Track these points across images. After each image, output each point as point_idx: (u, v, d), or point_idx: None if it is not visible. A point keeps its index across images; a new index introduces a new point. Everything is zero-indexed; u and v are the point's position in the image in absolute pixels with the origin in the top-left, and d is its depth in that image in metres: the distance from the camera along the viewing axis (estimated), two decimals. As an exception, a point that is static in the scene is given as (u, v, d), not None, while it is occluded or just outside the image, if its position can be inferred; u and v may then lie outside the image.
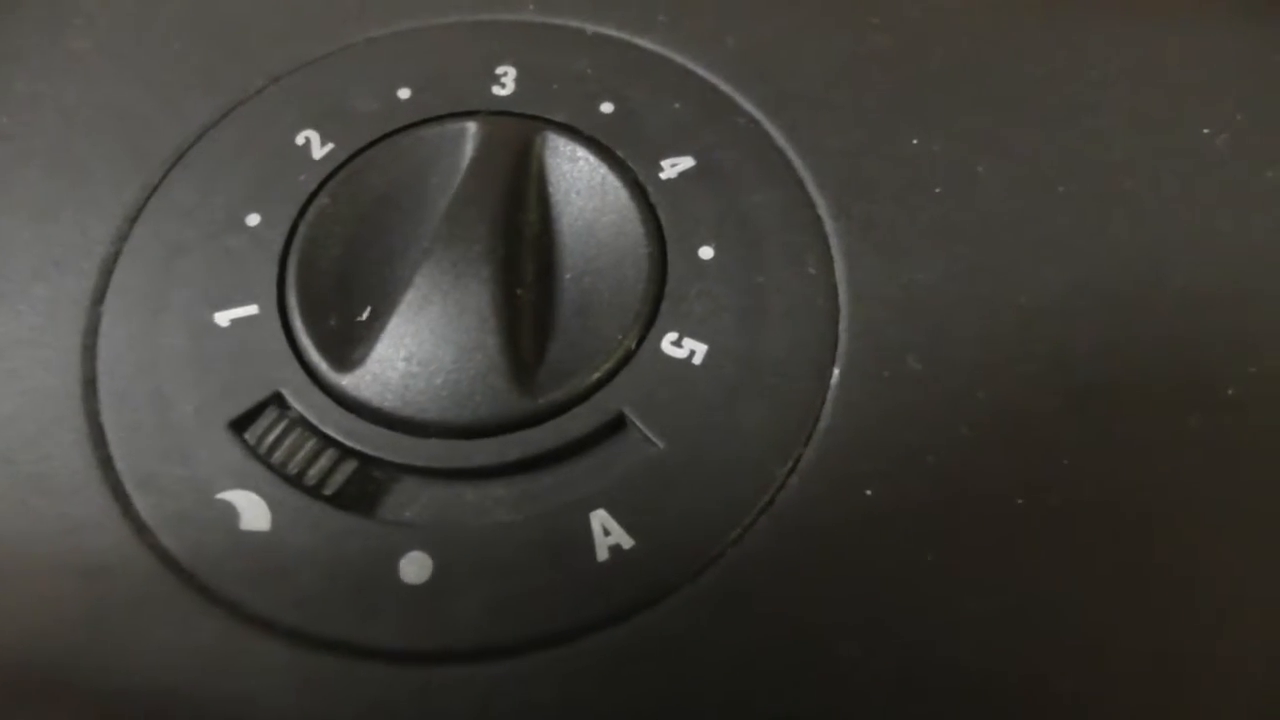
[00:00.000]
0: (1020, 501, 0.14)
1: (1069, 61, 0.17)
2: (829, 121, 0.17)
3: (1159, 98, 0.17)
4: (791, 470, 0.14)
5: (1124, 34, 0.18)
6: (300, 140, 0.17)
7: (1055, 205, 0.16)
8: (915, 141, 0.16)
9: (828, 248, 0.16)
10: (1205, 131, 0.17)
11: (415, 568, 0.14)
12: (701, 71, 0.17)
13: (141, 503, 0.14)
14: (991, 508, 0.14)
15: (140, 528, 0.14)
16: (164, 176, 0.17)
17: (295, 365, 0.15)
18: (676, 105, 0.17)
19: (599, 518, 0.14)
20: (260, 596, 0.13)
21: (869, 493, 0.14)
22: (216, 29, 0.18)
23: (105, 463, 0.15)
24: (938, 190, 0.16)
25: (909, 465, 0.14)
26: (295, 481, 0.14)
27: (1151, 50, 0.18)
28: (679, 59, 0.17)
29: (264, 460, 0.14)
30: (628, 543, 0.14)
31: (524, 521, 0.14)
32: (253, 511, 0.14)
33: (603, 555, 0.13)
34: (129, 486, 0.14)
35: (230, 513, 0.14)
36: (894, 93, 0.17)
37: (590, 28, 0.18)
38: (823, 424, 0.14)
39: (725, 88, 0.17)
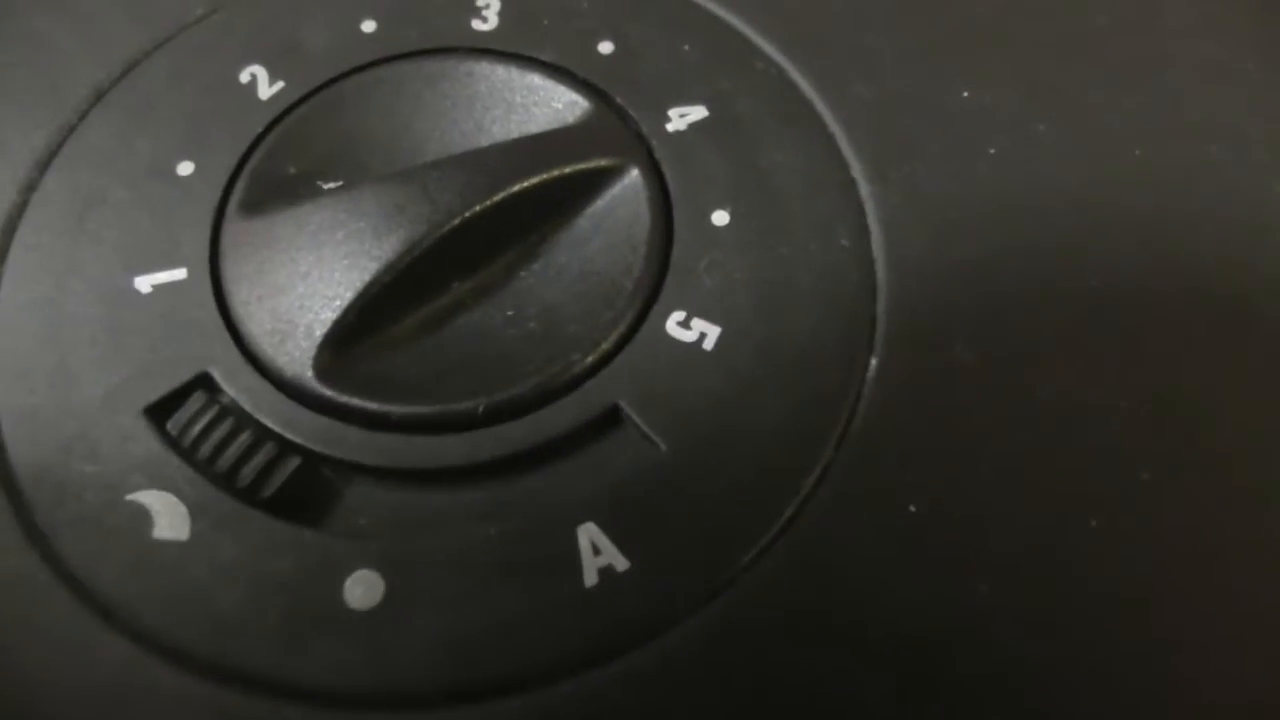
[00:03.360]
0: (1094, 523, 0.12)
1: (1141, 8, 0.15)
2: (864, 68, 0.14)
3: (1245, 53, 0.15)
4: (819, 480, 0.12)
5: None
6: (245, 77, 0.14)
7: (1129, 172, 0.14)
8: (966, 94, 0.14)
9: (863, 215, 0.13)
10: (1300, 91, 0.14)
11: (363, 589, 0.11)
12: (715, 8, 0.15)
13: (37, 502, 0.12)
14: (1058, 529, 0.12)
15: (34, 533, 0.12)
16: (81, 118, 0.14)
17: (228, 341, 0.13)
18: (686, 47, 0.15)
19: (588, 533, 0.11)
20: (172, 621, 0.11)
21: (912, 509, 0.12)
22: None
23: (-4, 453, 0.12)
24: (992, 151, 0.14)
25: (959, 476, 0.12)
26: (224, 482, 0.12)
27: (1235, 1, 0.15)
28: (690, -6, 0.15)
29: (186, 455, 0.12)
30: (621, 564, 0.11)
31: (497, 536, 0.11)
32: (169, 517, 0.12)
33: (591, 579, 0.11)
34: (23, 482, 0.12)
35: (142, 517, 0.12)
36: (941, 36, 0.15)
37: (588, -44, 0.15)
38: (856, 425, 0.12)
39: (743, 27, 0.15)
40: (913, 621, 0.11)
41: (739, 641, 0.11)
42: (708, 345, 0.12)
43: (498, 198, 0.13)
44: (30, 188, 0.14)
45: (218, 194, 0.13)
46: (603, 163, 0.13)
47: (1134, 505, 0.12)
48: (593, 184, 0.13)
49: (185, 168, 0.14)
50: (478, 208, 0.13)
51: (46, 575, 0.11)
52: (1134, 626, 0.11)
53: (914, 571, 0.11)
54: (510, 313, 0.13)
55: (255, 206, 0.13)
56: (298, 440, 0.12)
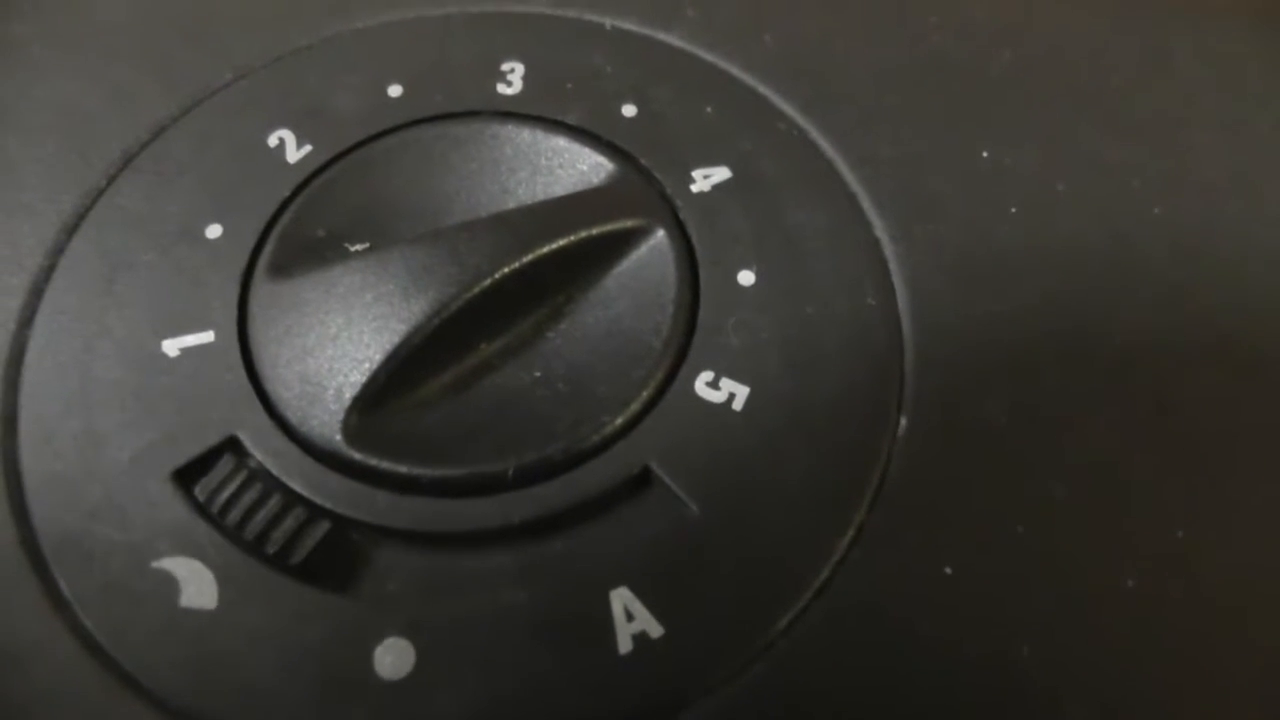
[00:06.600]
0: (1131, 583, 0.11)
1: (1156, 67, 0.15)
2: (884, 129, 0.14)
3: (1258, 110, 0.15)
4: (853, 542, 0.12)
5: (1215, 38, 0.16)
6: (273, 141, 0.15)
7: (1149, 229, 0.14)
8: (985, 154, 0.14)
9: (888, 274, 0.13)
10: (1315, 148, 0.15)
11: (393, 658, 0.11)
12: (736, 71, 0.15)
13: (61, 569, 0.12)
14: (1096, 589, 0.11)
15: (58, 601, 0.12)
16: (110, 181, 0.14)
17: (256, 404, 0.13)
18: (708, 109, 0.15)
19: (621, 598, 0.11)
20: (199, 691, 0.11)
21: (948, 570, 0.11)
22: (177, 14, 0.16)
23: (20, 517, 0.12)
24: (1013, 210, 0.14)
25: (994, 536, 0.12)
26: (252, 548, 0.12)
27: (1247, 59, 0.16)
28: (710, 57, 0.15)
29: (214, 520, 0.12)
30: (656, 630, 0.11)
31: (529, 601, 0.11)
32: (196, 584, 0.11)
33: (625, 646, 0.11)
34: (47, 549, 0.12)
35: (169, 585, 0.12)
36: (960, 96, 0.15)
37: (610, 22, 0.16)
38: (890, 485, 0.12)
39: (764, 89, 0.15)
40: (951, 684, 0.11)
41: (776, 710, 0.11)
42: (737, 405, 0.12)
43: (525, 259, 0.13)
44: (58, 251, 0.14)
45: (246, 257, 0.13)
46: (628, 224, 0.13)
47: (1171, 564, 0.12)
48: (619, 245, 0.13)
49: (214, 230, 0.14)
50: (506, 269, 0.13)
51: (71, 644, 0.11)
52: (1175, 686, 0.11)
53: (952, 634, 0.11)
54: (538, 374, 0.13)
55: (283, 269, 0.13)
56: (326, 504, 0.12)
